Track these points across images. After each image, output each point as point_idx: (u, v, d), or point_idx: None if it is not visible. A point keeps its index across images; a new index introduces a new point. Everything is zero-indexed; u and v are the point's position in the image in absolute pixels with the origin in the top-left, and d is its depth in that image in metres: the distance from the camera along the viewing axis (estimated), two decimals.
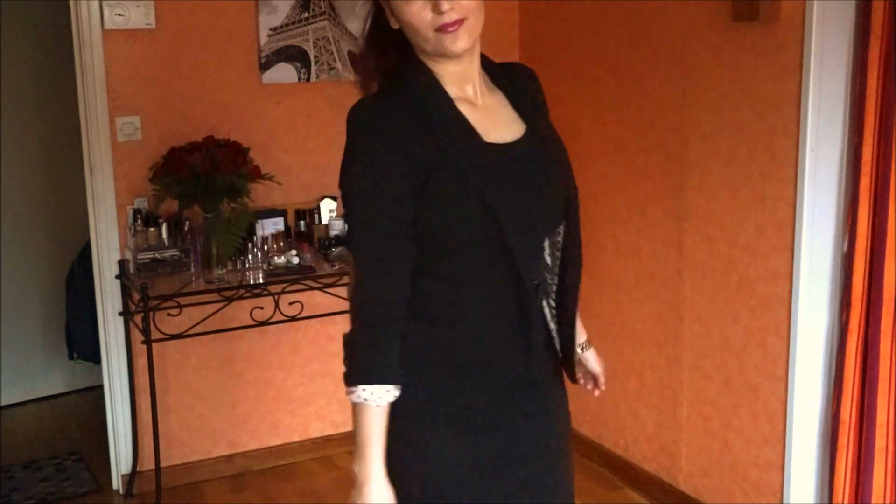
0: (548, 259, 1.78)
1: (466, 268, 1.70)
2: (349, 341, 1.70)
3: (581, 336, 1.96)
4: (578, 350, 1.94)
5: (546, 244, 1.78)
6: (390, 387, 1.66)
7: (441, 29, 1.65)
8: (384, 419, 1.67)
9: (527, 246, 1.72)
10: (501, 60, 1.87)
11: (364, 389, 1.65)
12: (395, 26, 1.71)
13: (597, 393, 2.04)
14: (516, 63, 1.90)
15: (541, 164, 1.75)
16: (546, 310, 1.79)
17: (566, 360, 1.86)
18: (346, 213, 1.75)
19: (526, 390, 1.79)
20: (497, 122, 1.75)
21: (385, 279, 1.67)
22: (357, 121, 1.71)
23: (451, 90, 1.72)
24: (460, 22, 1.66)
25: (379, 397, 1.65)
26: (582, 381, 2.03)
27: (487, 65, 1.81)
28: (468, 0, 1.66)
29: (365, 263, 1.69)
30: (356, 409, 1.67)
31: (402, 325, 1.68)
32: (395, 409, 1.69)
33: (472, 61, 1.74)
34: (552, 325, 1.81)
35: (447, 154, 1.65)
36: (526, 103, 1.81)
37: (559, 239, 1.79)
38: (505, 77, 1.82)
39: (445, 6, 1.63)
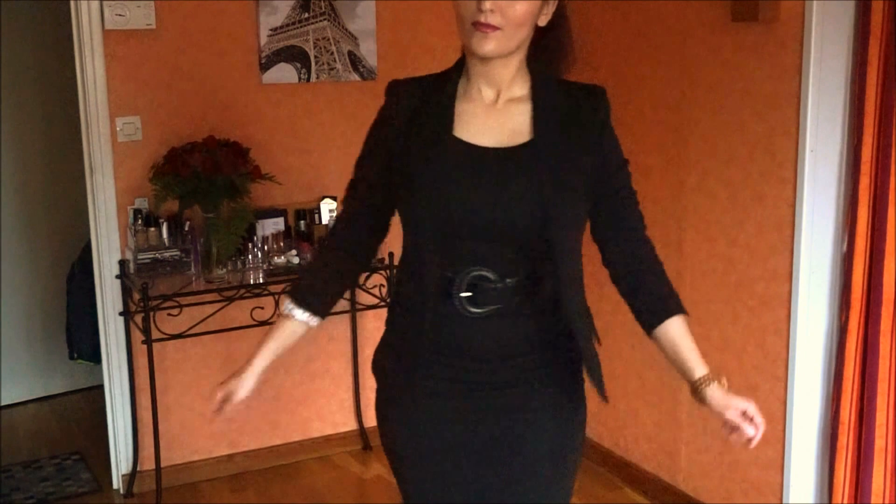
0: (506, 264, 1.76)
1: (411, 249, 1.82)
2: None
3: (695, 370, 1.85)
4: (692, 391, 1.86)
5: (496, 250, 1.76)
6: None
7: (476, 24, 1.70)
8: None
9: (446, 239, 1.75)
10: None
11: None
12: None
13: (749, 442, 1.81)
14: (588, 86, 1.85)
15: (514, 176, 1.74)
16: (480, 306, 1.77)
17: (574, 376, 1.90)
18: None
19: (459, 384, 1.83)
20: (497, 127, 1.79)
21: (339, 226, 1.94)
22: (385, 90, 1.88)
23: (473, 87, 1.81)
24: (495, 28, 1.70)
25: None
26: (728, 430, 1.84)
27: (541, 77, 1.81)
28: (517, 14, 1.70)
29: (342, 205, 1.95)
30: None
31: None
32: None
33: (503, 65, 1.77)
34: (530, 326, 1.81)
35: (413, 139, 1.78)
36: (553, 120, 1.78)
37: (525, 250, 1.77)
38: (553, 93, 1.81)
39: (487, 5, 1.68)
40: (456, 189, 1.73)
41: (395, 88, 1.86)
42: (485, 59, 1.75)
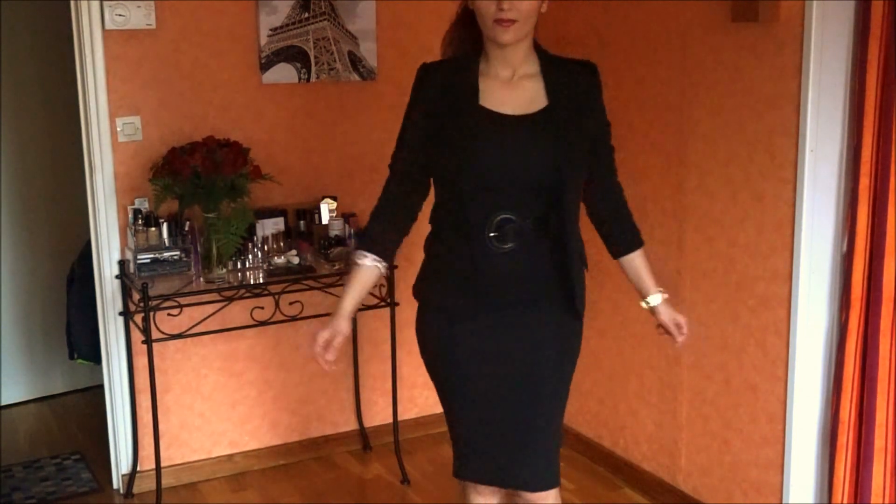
0: (524, 208, 2.20)
1: (447, 200, 2.26)
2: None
3: (651, 288, 2.43)
4: (643, 303, 2.44)
5: (517, 196, 2.19)
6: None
7: (497, 21, 2.16)
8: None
9: (477, 190, 2.18)
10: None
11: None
12: (471, 7, 2.23)
13: (678, 341, 2.45)
14: (582, 61, 2.36)
15: (533, 137, 2.20)
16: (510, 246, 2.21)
17: (570, 296, 2.30)
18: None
19: (490, 304, 2.27)
20: (515, 99, 2.23)
21: (391, 185, 2.34)
22: (418, 71, 2.30)
23: (493, 67, 2.25)
24: (512, 21, 2.15)
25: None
26: (661, 331, 2.47)
27: (546, 57, 2.29)
28: (525, 4, 2.15)
29: (390, 169, 2.35)
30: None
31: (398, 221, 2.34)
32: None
33: (516, 49, 2.22)
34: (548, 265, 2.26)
35: (446, 110, 2.21)
36: (561, 92, 2.24)
37: (541, 195, 2.20)
38: (558, 69, 2.28)
39: (505, 5, 2.14)
40: (486, 148, 2.17)
41: (428, 69, 2.28)
42: (503, 46, 2.19)
